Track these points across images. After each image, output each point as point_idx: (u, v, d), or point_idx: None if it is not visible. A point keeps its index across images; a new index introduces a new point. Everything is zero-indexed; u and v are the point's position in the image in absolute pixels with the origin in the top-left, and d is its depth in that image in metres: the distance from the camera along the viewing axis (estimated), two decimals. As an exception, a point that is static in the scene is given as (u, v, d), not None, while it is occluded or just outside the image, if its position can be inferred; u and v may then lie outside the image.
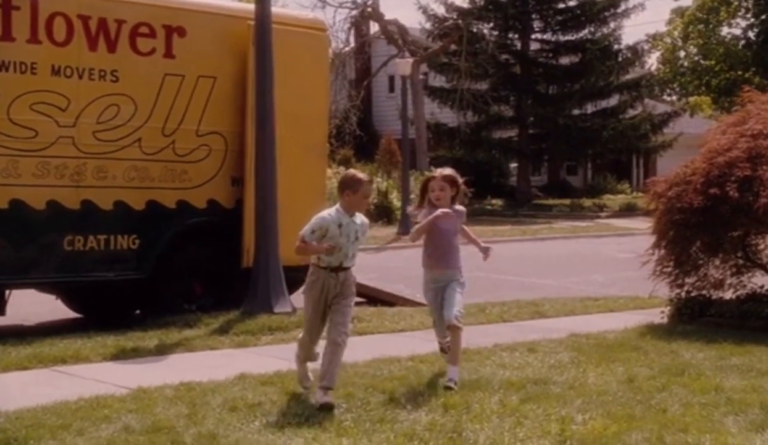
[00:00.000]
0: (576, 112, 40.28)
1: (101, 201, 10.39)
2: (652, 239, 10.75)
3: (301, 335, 6.96)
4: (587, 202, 39.28)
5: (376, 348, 8.58)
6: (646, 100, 42.94)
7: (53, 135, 10.06)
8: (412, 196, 23.32)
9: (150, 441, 5.65)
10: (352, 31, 38.10)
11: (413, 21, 67.47)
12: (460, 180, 7.47)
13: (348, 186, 6.65)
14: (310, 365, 6.94)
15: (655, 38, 55.25)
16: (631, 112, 40.88)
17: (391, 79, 43.56)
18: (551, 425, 6.00)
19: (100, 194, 10.38)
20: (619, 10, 40.83)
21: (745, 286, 10.80)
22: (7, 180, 9.81)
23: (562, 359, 8.24)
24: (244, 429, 5.93)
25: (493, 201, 38.69)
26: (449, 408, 6.39)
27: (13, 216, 9.86)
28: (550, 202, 39.77)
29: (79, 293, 11.38)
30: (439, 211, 7.25)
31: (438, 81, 40.11)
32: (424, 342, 8.58)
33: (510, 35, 41.51)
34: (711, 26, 51.76)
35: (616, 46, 40.98)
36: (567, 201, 39.33)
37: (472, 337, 8.85)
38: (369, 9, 36.65)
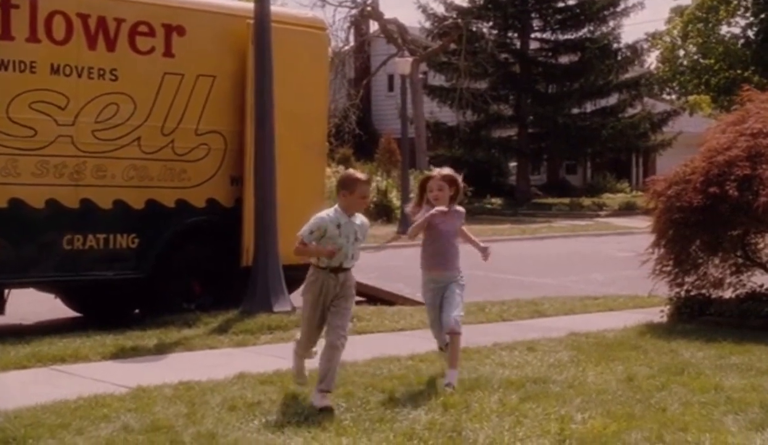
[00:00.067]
0: (575, 111, 40.29)
1: (100, 200, 10.38)
2: (652, 238, 10.75)
3: (298, 336, 6.91)
4: (587, 201, 39.27)
5: (376, 347, 8.57)
6: (646, 99, 42.95)
7: (52, 134, 10.06)
8: (412, 195, 23.29)
9: (149, 440, 5.65)
10: (352, 30, 38.11)
11: (413, 20, 67.46)
12: (460, 180, 7.41)
13: (345, 186, 6.61)
14: (307, 362, 6.92)
15: (654, 37, 55.33)
16: (631, 111, 40.89)
17: (391, 78, 43.56)
18: (551, 424, 5.99)
19: (99, 193, 10.37)
20: (618, 9, 40.85)
21: (744, 285, 10.80)
22: (6, 179, 9.80)
23: (561, 358, 8.24)
24: (243, 428, 5.93)
25: (493, 200, 38.70)
26: (449, 407, 6.38)
27: (13, 215, 9.85)
28: (550, 201, 39.77)
29: (78, 292, 11.37)
30: (435, 209, 7.18)
31: (437, 80, 40.11)
32: (424, 341, 8.57)
33: (509, 34, 41.52)
34: (710, 25, 51.81)
35: (615, 45, 41.00)
36: (566, 200, 39.32)
37: (471, 336, 8.84)
38: (368, 8, 36.64)
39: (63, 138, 10.12)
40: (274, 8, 11.16)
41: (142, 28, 10.64)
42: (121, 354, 8.55)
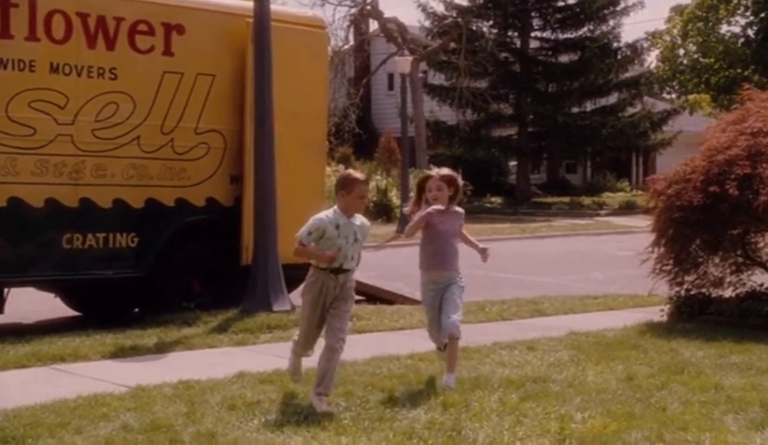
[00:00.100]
0: (575, 110, 40.28)
1: (100, 199, 10.38)
2: (652, 237, 10.75)
3: (296, 337, 6.86)
4: (586, 200, 39.26)
5: (375, 346, 8.57)
6: (646, 98, 42.95)
7: (52, 133, 10.05)
8: (411, 194, 23.27)
9: (148, 440, 5.64)
10: (352, 29, 38.13)
11: (412, 19, 67.52)
12: (460, 181, 7.34)
13: (343, 186, 6.56)
14: (304, 360, 6.88)
15: (654, 36, 55.34)
16: (631, 110, 40.88)
17: (391, 77, 43.55)
18: (550, 423, 5.98)
19: (98, 192, 10.36)
20: (618, 8, 40.84)
21: (744, 284, 10.79)
22: (6, 178, 9.79)
23: (561, 358, 8.23)
24: (242, 428, 5.92)
25: (493, 199, 38.70)
26: (448, 406, 6.38)
27: (12, 214, 9.85)
28: (550, 200, 39.76)
29: (78, 291, 11.37)
30: (431, 207, 7.10)
31: (437, 79, 40.10)
32: (424, 340, 8.55)
33: (509, 33, 41.51)
34: (710, 24, 51.83)
35: (615, 44, 41.00)
36: (566, 199, 39.31)
37: (471, 335, 8.83)
38: (368, 7, 36.63)
39: (62, 137, 10.11)
40: (274, 7, 11.15)
41: (142, 27, 10.63)
42: (120, 353, 8.55)
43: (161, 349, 8.81)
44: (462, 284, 7.26)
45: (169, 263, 10.85)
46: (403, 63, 27.55)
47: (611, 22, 41.05)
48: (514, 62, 41.27)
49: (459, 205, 7.42)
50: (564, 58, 40.93)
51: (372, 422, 6.01)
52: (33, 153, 9.94)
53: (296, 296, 9.91)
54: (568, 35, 41.37)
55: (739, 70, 48.28)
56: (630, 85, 40.72)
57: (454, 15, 39.27)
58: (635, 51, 41.64)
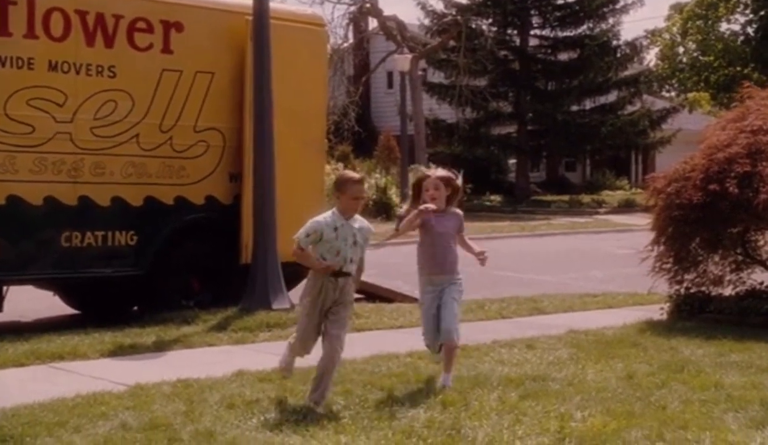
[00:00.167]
0: (575, 108, 40.24)
1: (99, 197, 10.36)
2: (651, 235, 10.74)
3: (292, 340, 6.75)
4: (586, 198, 39.25)
5: (375, 345, 8.55)
6: (645, 97, 42.92)
7: (50, 131, 10.03)
8: (411, 192, 23.24)
9: (147, 438, 5.63)
10: (351, 27, 38.06)
11: (412, 17, 67.49)
12: (458, 182, 7.22)
13: (337, 187, 6.50)
14: (299, 360, 6.84)
15: (653, 34, 55.25)
16: (630, 109, 40.86)
17: (390, 75, 43.50)
18: (550, 422, 5.97)
19: (97, 190, 10.35)
20: (617, 6, 40.80)
21: (744, 282, 10.78)
22: (4, 176, 9.77)
23: (560, 356, 8.22)
24: (241, 426, 5.91)
25: (492, 197, 38.69)
26: (448, 405, 6.37)
27: (11, 212, 9.83)
28: (549, 198, 39.74)
29: (77, 289, 11.35)
30: (423, 206, 6.99)
31: (437, 77, 40.07)
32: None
33: (509, 31, 41.49)
34: (710, 22, 51.82)
35: (614, 42, 40.96)
36: (566, 197, 39.30)
37: (470, 333, 8.82)
38: (367, 5, 36.59)
39: (61, 135, 10.09)
40: (273, 5, 11.12)
41: (141, 25, 10.61)
42: (119, 352, 8.54)
43: (160, 347, 8.80)
44: (461, 288, 7.17)
45: (168, 261, 10.84)
46: (403, 61, 27.58)
47: (611, 20, 41.05)
48: (513, 60, 41.24)
49: (459, 203, 7.35)
50: (563, 56, 40.91)
51: (371, 420, 6.00)
52: (32, 151, 9.92)
53: (295, 295, 9.90)
54: (567, 33, 41.35)
55: (738, 68, 48.27)
56: (629, 84, 40.71)
57: (454, 13, 39.25)
58: (635, 49, 41.60)
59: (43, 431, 5.74)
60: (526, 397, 6.60)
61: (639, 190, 34.89)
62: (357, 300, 6.76)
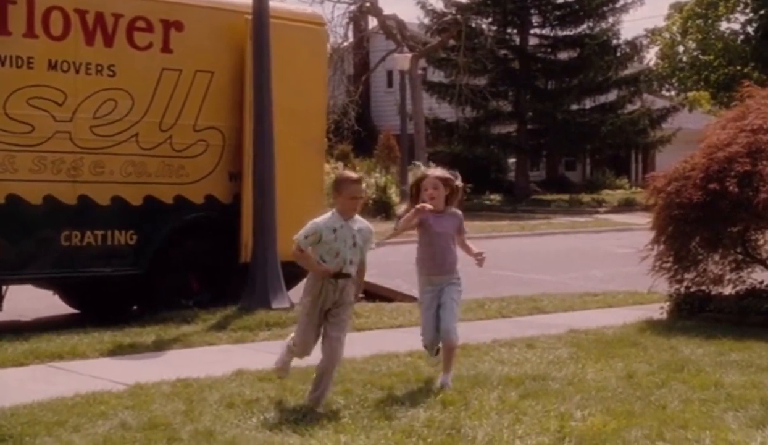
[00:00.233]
0: (574, 107, 40.25)
1: (98, 196, 10.35)
2: (651, 235, 10.73)
3: (291, 341, 6.67)
4: (586, 197, 39.25)
5: (375, 344, 8.54)
6: (645, 96, 42.92)
7: (50, 130, 10.02)
8: (410, 191, 23.22)
9: (146, 438, 5.62)
10: (351, 26, 38.04)
11: (412, 16, 67.47)
12: (456, 182, 7.15)
13: (335, 188, 6.48)
14: (298, 359, 6.81)
15: (653, 33, 55.19)
16: (630, 108, 40.85)
17: (390, 74, 43.50)
18: (550, 421, 5.96)
19: (96, 189, 10.34)
20: (617, 5, 40.80)
21: (744, 281, 10.77)
22: (4, 175, 9.77)
23: (560, 355, 8.21)
24: (241, 426, 5.90)
25: (492, 196, 38.68)
26: (447, 404, 6.36)
27: (10, 211, 9.82)
28: (549, 197, 39.73)
29: (76, 289, 11.34)
30: (420, 205, 6.94)
31: (436, 76, 40.06)
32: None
33: (508, 30, 41.48)
34: (710, 21, 51.80)
35: (614, 41, 40.96)
36: (565, 196, 39.29)
37: (470, 332, 8.82)
38: (367, 4, 36.58)
39: (60, 134, 10.08)
40: (273, 4, 11.11)
41: (140, 24, 10.60)
42: (118, 351, 8.53)
43: (160, 347, 8.79)
44: (460, 288, 7.13)
45: (168, 261, 10.84)
46: (403, 60, 27.57)
47: (610, 19, 41.05)
48: (513, 59, 41.24)
49: (458, 206, 7.29)
50: (563, 56, 40.90)
51: (371, 420, 5.99)
52: (31, 150, 9.92)
53: (295, 294, 9.90)
54: (567, 32, 41.36)
55: (738, 68, 48.26)
56: (629, 83, 40.71)
57: (454, 12, 39.24)
58: (634, 48, 41.58)
59: (42, 431, 5.73)
60: (526, 396, 6.60)
61: (639, 190, 34.87)
62: (356, 299, 6.74)
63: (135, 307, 11.23)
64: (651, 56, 56.08)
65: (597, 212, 35.06)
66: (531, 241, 24.42)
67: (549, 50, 41.46)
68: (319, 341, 6.52)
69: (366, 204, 24.33)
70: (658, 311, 10.59)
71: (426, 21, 39.77)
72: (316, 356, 6.56)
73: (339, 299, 6.42)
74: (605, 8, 40.67)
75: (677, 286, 10.70)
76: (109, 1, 10.41)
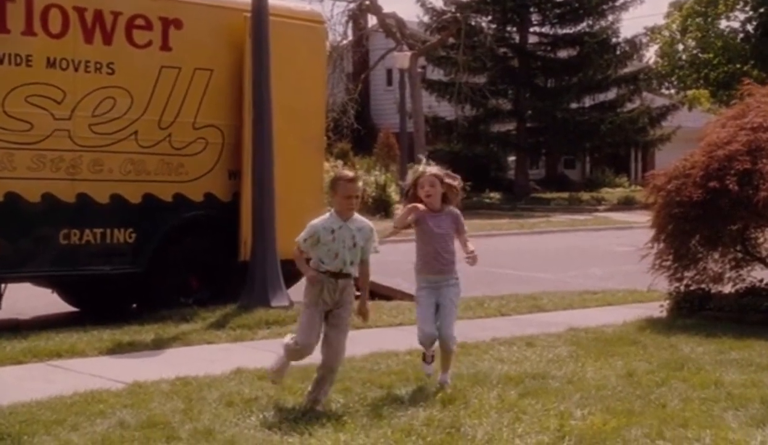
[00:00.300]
0: (574, 105, 40.26)
1: (97, 194, 10.34)
2: (651, 233, 10.72)
3: (291, 341, 6.54)
4: (585, 195, 39.26)
5: (374, 342, 8.52)
6: (645, 94, 42.93)
7: (49, 128, 10.00)
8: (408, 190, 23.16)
9: (145, 436, 5.60)
10: (350, 24, 38.02)
11: (411, 14, 67.44)
12: (454, 182, 7.08)
13: (331, 188, 6.45)
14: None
15: (653, 31, 55.14)
16: (629, 106, 40.88)
17: (389, 72, 43.51)
18: (550, 420, 5.95)
19: (96, 187, 10.33)
20: (617, 3, 40.83)
21: (744, 280, 10.76)
22: (3, 173, 9.75)
23: (560, 354, 8.20)
24: (240, 425, 5.88)
25: (491, 195, 38.68)
26: (447, 403, 6.34)
27: (9, 209, 9.80)
28: (548, 195, 39.75)
29: (75, 287, 11.33)
30: (412, 204, 6.91)
31: (436, 74, 40.06)
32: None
33: (508, 28, 41.49)
34: (709, 19, 51.76)
35: (614, 40, 40.99)
36: (565, 195, 39.30)
37: (470, 331, 8.81)
38: (367, 2, 36.55)
39: (59, 132, 10.07)
40: (272, 1, 11.08)
41: (139, 22, 10.58)
42: (117, 349, 8.51)
43: (158, 345, 8.78)
44: (458, 290, 7.08)
45: (167, 259, 10.82)
46: (402, 58, 27.55)
47: (610, 18, 41.09)
48: (512, 58, 41.25)
49: (457, 205, 7.23)
50: (563, 54, 40.91)
51: (370, 418, 5.98)
52: (30, 148, 9.90)
53: (294, 292, 9.89)
54: (566, 30, 41.38)
55: (738, 66, 48.23)
56: (629, 81, 40.74)
57: (453, 10, 39.22)
58: (634, 46, 41.60)
59: (40, 430, 5.72)
60: (525, 395, 6.58)
61: (638, 188, 34.88)
62: (356, 298, 6.71)
63: (134, 305, 11.22)
64: (650, 54, 56.21)
65: (596, 210, 35.05)
66: (530, 239, 24.42)
67: (548, 48, 41.48)
68: (319, 342, 6.49)
69: (365, 202, 24.32)
70: (657, 309, 10.59)
71: (425, 19, 39.80)
72: (315, 355, 6.54)
73: (339, 299, 6.39)
74: (605, 6, 40.70)
75: (677, 284, 10.69)
76: (108, -1, 10.40)
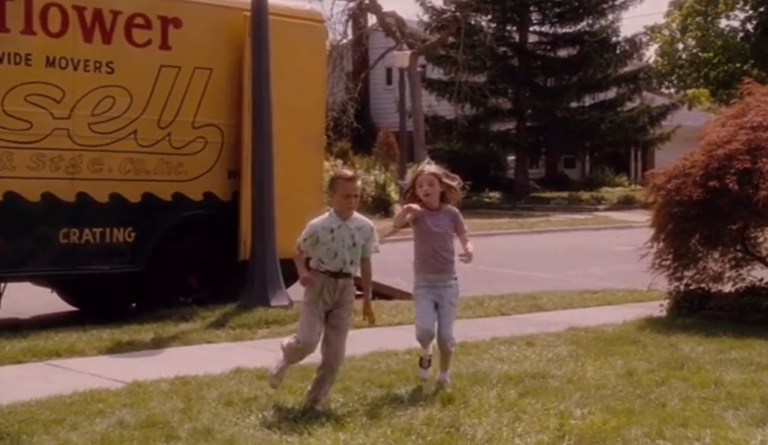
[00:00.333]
0: (574, 104, 40.25)
1: (97, 193, 10.33)
2: (651, 232, 10.71)
3: (292, 340, 6.50)
4: (585, 195, 39.24)
5: (374, 342, 8.51)
6: (644, 93, 42.92)
7: (48, 127, 10.00)
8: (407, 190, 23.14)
9: (144, 436, 5.60)
10: (350, 23, 38.00)
11: (411, 13, 67.42)
12: (453, 182, 7.06)
13: (330, 187, 6.45)
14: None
15: (653, 30, 55.11)
16: (629, 105, 40.88)
17: (389, 71, 43.48)
18: (550, 419, 5.95)
19: (95, 187, 10.32)
20: (617, 2, 40.83)
21: (744, 279, 10.76)
22: (2, 172, 9.74)
23: (560, 353, 8.20)
24: (239, 424, 5.88)
25: (491, 194, 38.67)
26: (447, 402, 6.34)
27: (8, 209, 9.80)
28: (548, 195, 39.74)
29: (75, 286, 11.33)
30: (408, 204, 6.91)
31: (436, 73, 40.06)
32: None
33: (508, 27, 41.48)
34: (709, 18, 51.71)
35: (614, 39, 40.98)
36: (565, 194, 39.28)
37: (469, 330, 8.81)
38: (367, 1, 36.53)
39: (59, 131, 10.06)
40: (272, 0, 11.08)
41: (139, 21, 10.57)
42: (117, 349, 8.51)
43: (158, 344, 8.77)
44: (457, 291, 7.06)
45: (166, 258, 10.81)
46: (402, 57, 27.53)
47: (610, 17, 41.09)
48: (512, 57, 41.24)
49: (456, 204, 7.21)
50: (563, 53, 40.90)
51: (370, 418, 5.97)
52: (29, 147, 9.89)
53: (294, 291, 9.88)
54: (566, 30, 41.36)
55: (738, 65, 48.20)
56: (629, 80, 40.74)
57: (453, 9, 39.18)
58: (634, 45, 41.59)
59: (40, 429, 5.71)
60: (525, 394, 6.58)
61: (638, 187, 34.85)
62: (356, 297, 6.71)
63: (133, 304, 11.21)
64: (650, 54, 56.05)
65: (596, 210, 35.04)
66: (530, 238, 24.41)
67: (548, 47, 41.48)
68: (319, 343, 6.48)
69: (365, 202, 24.32)
70: (657, 308, 10.58)
71: (425, 18, 39.79)
72: (315, 355, 6.53)
73: (339, 298, 6.39)
74: (605, 5, 40.69)
75: (677, 283, 10.68)
76: (107, -2, 10.39)
